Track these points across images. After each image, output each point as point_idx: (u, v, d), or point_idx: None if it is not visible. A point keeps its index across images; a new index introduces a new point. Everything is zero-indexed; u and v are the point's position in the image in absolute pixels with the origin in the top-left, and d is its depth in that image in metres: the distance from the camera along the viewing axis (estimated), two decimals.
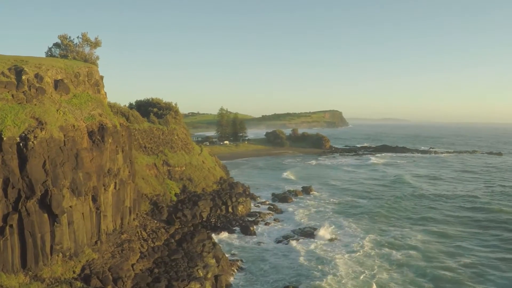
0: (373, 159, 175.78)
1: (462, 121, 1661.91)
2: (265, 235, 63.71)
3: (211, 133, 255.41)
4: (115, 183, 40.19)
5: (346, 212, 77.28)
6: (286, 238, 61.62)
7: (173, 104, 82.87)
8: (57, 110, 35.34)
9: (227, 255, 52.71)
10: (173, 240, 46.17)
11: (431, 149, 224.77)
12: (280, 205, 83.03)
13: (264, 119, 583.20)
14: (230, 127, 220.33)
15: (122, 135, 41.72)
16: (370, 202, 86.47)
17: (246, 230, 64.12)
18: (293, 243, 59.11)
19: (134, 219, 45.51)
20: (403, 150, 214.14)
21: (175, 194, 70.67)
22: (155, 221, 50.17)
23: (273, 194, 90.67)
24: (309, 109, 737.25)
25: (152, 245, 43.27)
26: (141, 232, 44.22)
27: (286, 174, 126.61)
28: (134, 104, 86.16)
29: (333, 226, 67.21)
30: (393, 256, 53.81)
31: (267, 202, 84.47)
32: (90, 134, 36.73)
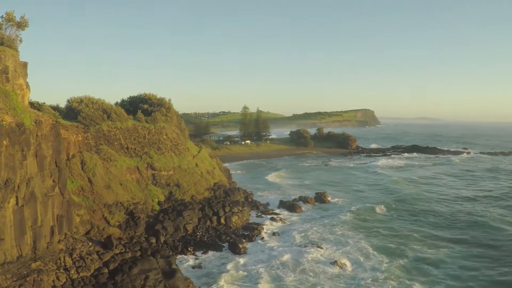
0: (399, 161, 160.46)
1: (496, 120, 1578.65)
2: (257, 254, 51.58)
3: (236, 132, 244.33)
4: (17, 197, 29.41)
5: (360, 226, 64.02)
6: (281, 259, 49.48)
7: (166, 100, 71.95)
8: None
9: (197, 284, 41.47)
10: (106, 270, 35.14)
11: (463, 150, 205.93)
12: (286, 215, 70.85)
13: (294, 118, 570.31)
14: (253, 126, 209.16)
15: (37, 135, 30.91)
16: (391, 213, 72.94)
17: (235, 248, 52.38)
18: (289, 267, 46.93)
19: (59, 242, 34.70)
20: (434, 151, 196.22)
21: (158, 203, 59.81)
22: (90, 244, 39.20)
23: (280, 202, 78.44)
24: (341, 108, 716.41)
25: (75, 276, 32.42)
26: (64, 259, 33.42)
27: (272, 177, 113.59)
28: (126, 100, 75.66)
29: (341, 246, 54.51)
30: None
31: (272, 211, 72.41)
32: None
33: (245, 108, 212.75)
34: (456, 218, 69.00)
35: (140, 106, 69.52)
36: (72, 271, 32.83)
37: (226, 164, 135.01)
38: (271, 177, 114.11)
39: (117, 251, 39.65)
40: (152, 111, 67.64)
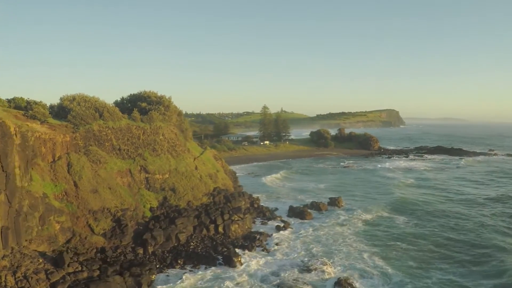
0: (422, 163, 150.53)
1: None
2: (254, 269, 44.69)
3: (256, 132, 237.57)
4: None
5: (376, 238, 56.05)
6: (279, 276, 42.62)
7: (166, 98, 65.64)
8: None
9: None
10: None
11: (489, 152, 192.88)
12: (294, 223, 63.70)
13: (318, 118, 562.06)
14: (272, 126, 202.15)
15: None
16: (412, 222, 64.30)
17: (229, 262, 45.66)
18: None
19: (3, 257, 28.88)
20: (459, 152, 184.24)
21: (150, 209, 53.69)
22: (41, 260, 33.20)
23: (290, 208, 71.13)
24: (365, 108, 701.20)
25: None
26: (5, 278, 27.62)
27: (284, 180, 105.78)
28: (126, 98, 69.72)
29: (352, 262, 46.87)
30: None
31: (278, 218, 65.36)
32: None
33: (264, 108, 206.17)
34: (486, 229, 60.22)
35: (138, 105, 63.63)
36: None
37: (241, 166, 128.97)
38: (284, 180, 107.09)
39: (70, 270, 33.58)
40: (150, 110, 61.60)
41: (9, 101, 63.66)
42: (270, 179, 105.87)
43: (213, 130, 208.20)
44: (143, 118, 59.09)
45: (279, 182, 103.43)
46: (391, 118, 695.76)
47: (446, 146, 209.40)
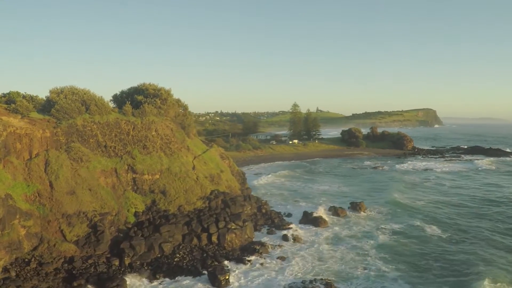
0: (458, 165, 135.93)
1: None
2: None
3: (286, 131, 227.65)
4: None
5: (403, 254, 45.03)
6: None
7: (165, 90, 57.50)
8: None
9: None
10: None
11: None
12: (305, 231, 53.89)
13: (353, 117, 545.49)
14: (302, 125, 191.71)
15: None
16: (447, 235, 52.49)
17: (213, 280, 37.02)
18: None
19: None
20: (497, 152, 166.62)
21: (135, 214, 45.82)
22: None
23: (304, 213, 61.38)
24: (402, 108, 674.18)
25: None
26: None
27: (303, 181, 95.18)
28: (125, 91, 62.15)
29: (366, 287, 37.25)
30: None
31: (288, 226, 55.86)
32: None
33: (294, 106, 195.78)
34: None
35: (134, 98, 56.05)
36: None
37: (261, 165, 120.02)
38: (307, 181, 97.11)
39: None
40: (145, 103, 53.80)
41: (4, 95, 58.46)
42: (288, 180, 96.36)
43: (242, 128, 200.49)
44: (135, 112, 51.35)
45: (301, 183, 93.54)
46: (428, 117, 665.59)
47: (484, 146, 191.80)
